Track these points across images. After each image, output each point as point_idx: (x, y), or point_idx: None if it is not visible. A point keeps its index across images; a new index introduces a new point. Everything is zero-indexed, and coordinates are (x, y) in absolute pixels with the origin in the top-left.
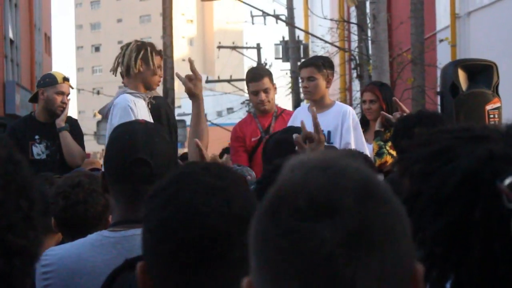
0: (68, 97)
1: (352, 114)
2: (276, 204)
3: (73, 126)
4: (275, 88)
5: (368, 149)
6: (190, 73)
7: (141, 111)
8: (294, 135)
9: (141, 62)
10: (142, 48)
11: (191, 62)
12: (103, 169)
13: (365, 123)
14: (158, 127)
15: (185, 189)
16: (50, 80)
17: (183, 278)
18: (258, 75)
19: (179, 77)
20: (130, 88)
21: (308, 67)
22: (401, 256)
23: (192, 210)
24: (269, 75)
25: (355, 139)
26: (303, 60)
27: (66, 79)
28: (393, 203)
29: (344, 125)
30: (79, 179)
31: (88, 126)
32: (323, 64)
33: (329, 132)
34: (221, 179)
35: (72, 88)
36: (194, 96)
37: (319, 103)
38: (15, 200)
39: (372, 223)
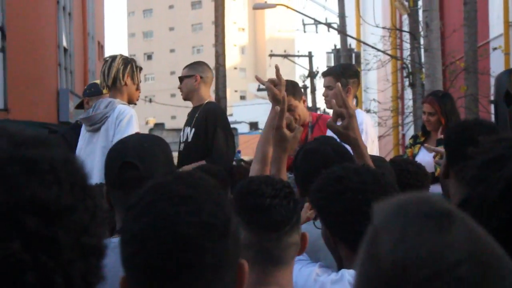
0: None
1: (366, 123)
2: (399, 278)
3: None
4: (304, 101)
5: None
6: (242, 81)
7: None
8: (328, 120)
9: (127, 76)
10: (128, 63)
11: (277, 69)
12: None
13: (426, 132)
14: (151, 135)
15: (158, 199)
16: (95, 90)
17: None
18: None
19: (260, 81)
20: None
21: (327, 76)
22: None
23: (164, 220)
24: (293, 94)
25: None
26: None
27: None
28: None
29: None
30: None
31: None
32: (342, 73)
33: None
34: (192, 187)
35: None
36: (277, 101)
37: None
38: (82, 202)
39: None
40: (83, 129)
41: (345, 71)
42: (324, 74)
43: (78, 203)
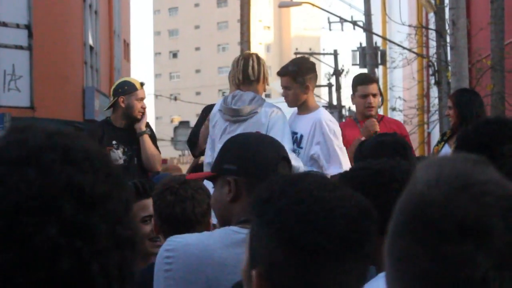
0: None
1: (325, 126)
2: (420, 225)
3: (149, 128)
4: (382, 95)
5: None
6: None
7: None
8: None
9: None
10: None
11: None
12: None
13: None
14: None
15: (309, 188)
16: (129, 88)
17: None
18: (369, 79)
19: None
20: None
21: (283, 76)
22: None
23: (327, 203)
24: (377, 82)
25: (321, 152)
26: (379, 65)
27: (142, 84)
28: None
29: (315, 136)
30: (184, 178)
31: (165, 132)
32: (297, 71)
33: (301, 136)
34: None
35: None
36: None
37: (301, 107)
38: (116, 192)
39: None
40: (217, 117)
41: (300, 69)
42: (280, 74)
43: (113, 192)
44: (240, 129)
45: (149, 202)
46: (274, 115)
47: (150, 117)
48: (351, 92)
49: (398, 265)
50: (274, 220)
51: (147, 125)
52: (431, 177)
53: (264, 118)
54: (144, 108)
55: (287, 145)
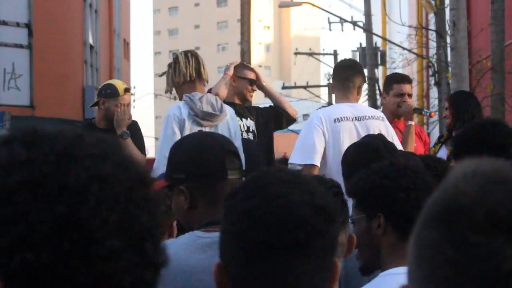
0: (130, 105)
1: None
2: (451, 212)
3: (133, 128)
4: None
5: None
6: (266, 79)
7: None
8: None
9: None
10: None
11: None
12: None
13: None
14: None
15: (269, 183)
16: (111, 92)
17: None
18: (407, 78)
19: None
20: None
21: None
22: None
23: (278, 198)
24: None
25: None
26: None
27: (127, 90)
28: None
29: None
30: None
31: None
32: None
33: None
34: (299, 176)
35: (133, 94)
36: None
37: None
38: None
39: None
40: (188, 123)
41: None
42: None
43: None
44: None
45: None
46: (234, 114)
47: (150, 117)
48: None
49: (422, 252)
50: (227, 215)
51: (134, 123)
52: (468, 171)
53: (231, 120)
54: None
55: (238, 141)
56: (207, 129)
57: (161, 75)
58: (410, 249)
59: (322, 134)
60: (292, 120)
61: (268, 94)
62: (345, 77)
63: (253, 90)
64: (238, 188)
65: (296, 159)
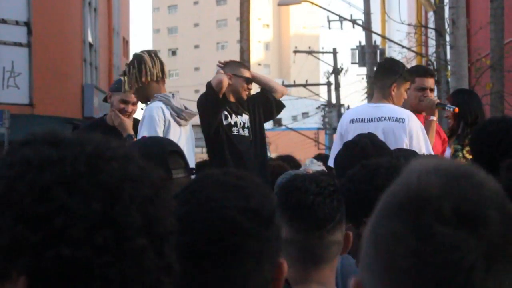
0: (135, 106)
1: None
2: (417, 204)
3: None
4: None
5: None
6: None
7: None
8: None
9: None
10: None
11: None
12: None
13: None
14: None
15: (205, 186)
16: (117, 86)
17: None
18: (430, 72)
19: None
20: None
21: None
22: None
23: (211, 203)
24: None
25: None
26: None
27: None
28: None
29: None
30: None
31: None
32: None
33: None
34: (241, 179)
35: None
36: None
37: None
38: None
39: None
40: (170, 123)
41: None
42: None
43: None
44: (184, 132)
45: None
46: None
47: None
48: (351, 91)
49: (382, 243)
50: None
51: (136, 123)
52: (429, 166)
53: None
54: (127, 112)
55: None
56: (184, 128)
57: (121, 75)
58: (365, 241)
59: (340, 136)
60: (282, 105)
61: (256, 81)
62: (376, 77)
63: (249, 89)
64: (178, 193)
65: (330, 162)
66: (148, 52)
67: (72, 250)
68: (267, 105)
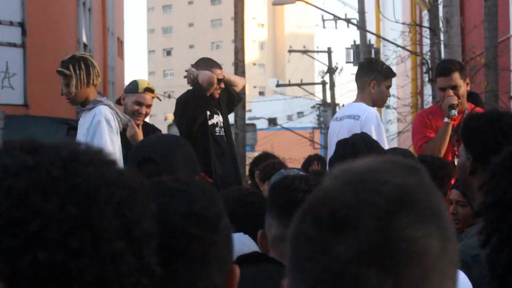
0: (149, 108)
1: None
2: (306, 210)
3: (146, 131)
4: (468, 84)
5: None
6: (260, 77)
7: None
8: None
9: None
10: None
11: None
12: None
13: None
14: (172, 135)
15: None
16: (132, 87)
17: None
18: (447, 69)
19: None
20: None
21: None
22: (419, 284)
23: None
24: (460, 70)
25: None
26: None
27: (148, 90)
28: (436, 226)
29: None
30: None
31: None
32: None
33: None
34: (187, 185)
35: (159, 99)
36: None
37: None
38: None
39: (391, 244)
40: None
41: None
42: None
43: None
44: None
45: None
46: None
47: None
48: (346, 90)
49: (289, 245)
50: None
51: (152, 127)
52: (344, 170)
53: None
54: (141, 114)
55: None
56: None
57: (61, 74)
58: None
59: (329, 135)
60: (240, 99)
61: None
62: (356, 77)
63: (221, 88)
64: None
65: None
66: (90, 56)
67: (48, 254)
68: (230, 99)
